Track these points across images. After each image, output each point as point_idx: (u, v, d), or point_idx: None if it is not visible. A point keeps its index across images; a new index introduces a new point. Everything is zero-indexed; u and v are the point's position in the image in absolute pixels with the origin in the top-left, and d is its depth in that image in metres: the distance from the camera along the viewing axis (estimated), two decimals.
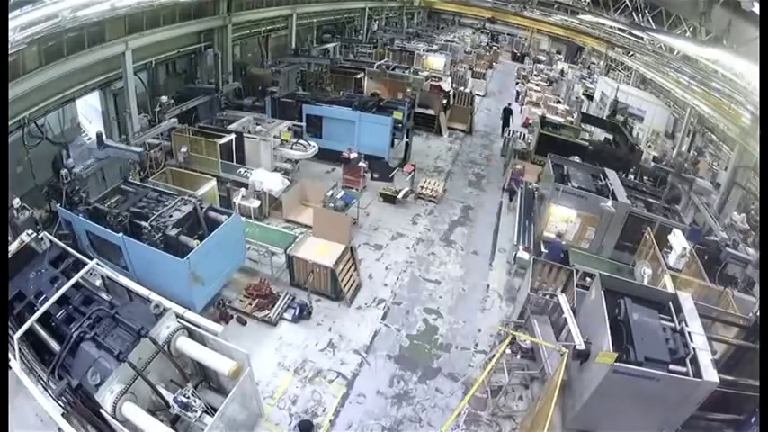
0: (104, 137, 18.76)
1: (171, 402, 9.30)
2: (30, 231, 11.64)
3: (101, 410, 8.69)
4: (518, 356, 13.00)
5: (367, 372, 14.11)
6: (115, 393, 8.81)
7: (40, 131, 17.81)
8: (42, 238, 11.69)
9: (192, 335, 10.46)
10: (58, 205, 15.75)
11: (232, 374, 9.50)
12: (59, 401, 8.66)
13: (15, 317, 9.97)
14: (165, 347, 9.98)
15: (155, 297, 10.59)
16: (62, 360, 9.21)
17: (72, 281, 10.25)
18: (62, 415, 8.53)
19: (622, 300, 11.87)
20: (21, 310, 10.05)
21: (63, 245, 12.19)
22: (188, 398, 9.26)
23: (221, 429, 9.56)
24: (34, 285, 10.51)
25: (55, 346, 9.72)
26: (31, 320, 9.33)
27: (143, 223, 14.31)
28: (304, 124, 24.99)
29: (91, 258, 13.65)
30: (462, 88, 40.65)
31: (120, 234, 13.85)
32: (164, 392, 9.66)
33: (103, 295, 10.95)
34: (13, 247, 11.12)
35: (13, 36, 13.38)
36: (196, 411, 9.21)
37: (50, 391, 8.81)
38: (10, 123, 16.21)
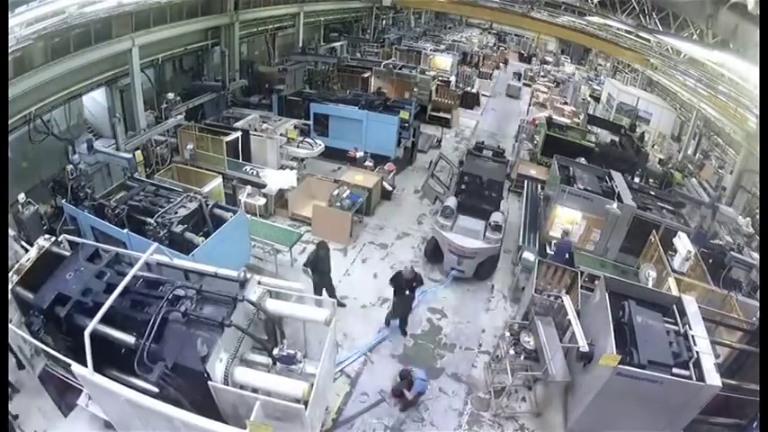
0: (94, 142, 18.79)
1: (276, 356, 9.35)
2: (47, 236, 11.17)
3: (210, 383, 8.55)
4: (521, 357, 12.97)
5: (370, 371, 14.13)
6: (224, 361, 8.81)
7: (46, 127, 17.87)
8: (62, 241, 11.48)
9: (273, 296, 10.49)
10: (64, 201, 15.80)
11: (328, 321, 9.71)
12: (161, 383, 8.45)
13: (64, 319, 9.30)
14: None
15: (223, 271, 10.44)
16: (148, 346, 8.61)
17: (142, 260, 9.54)
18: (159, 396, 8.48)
19: (626, 302, 11.85)
20: (69, 311, 9.32)
21: (94, 243, 11.94)
22: (288, 352, 9.38)
23: (323, 378, 9.57)
24: (77, 284, 9.81)
25: (125, 337, 8.96)
26: (106, 307, 8.47)
27: (148, 219, 14.32)
28: (311, 123, 25.00)
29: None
30: (469, 88, 40.71)
31: (126, 230, 13.90)
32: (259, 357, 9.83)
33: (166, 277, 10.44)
34: (32, 254, 10.64)
35: (20, 32, 13.44)
36: (300, 362, 9.36)
37: (145, 379, 8.53)
38: (16, 119, 16.29)
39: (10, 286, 9.94)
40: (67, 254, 10.90)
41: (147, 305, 9.58)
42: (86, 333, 8.17)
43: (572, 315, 12.20)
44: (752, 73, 13.60)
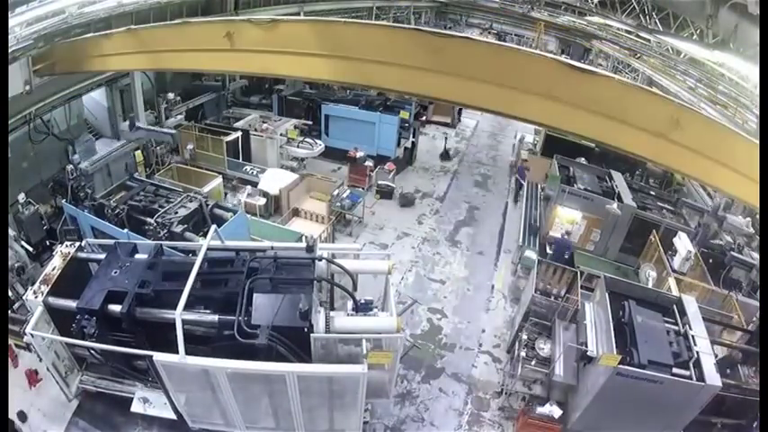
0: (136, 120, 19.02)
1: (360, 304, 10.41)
2: (68, 243, 11.21)
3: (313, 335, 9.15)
4: (533, 363, 12.88)
5: None
6: (323, 312, 9.53)
7: (46, 127, 17.85)
8: (85, 246, 11.42)
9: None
10: (64, 201, 15.80)
11: (390, 270, 10.84)
12: (271, 343, 8.87)
13: (126, 314, 9.34)
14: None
15: (279, 244, 11.21)
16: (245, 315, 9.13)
17: (206, 244, 10.07)
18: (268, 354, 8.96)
19: (626, 302, 11.82)
20: (131, 305, 9.39)
21: (131, 241, 12.04)
22: (366, 299, 10.61)
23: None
24: (129, 279, 9.88)
25: (207, 317, 9.47)
26: (188, 289, 8.93)
27: (148, 219, 14.34)
28: (322, 125, 24.96)
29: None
30: None
31: (126, 230, 13.90)
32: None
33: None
34: (57, 263, 10.59)
35: (20, 32, 13.44)
36: (376, 307, 10.60)
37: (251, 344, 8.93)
38: (16, 119, 16.28)
39: (41, 298, 9.84)
40: (97, 256, 11.03)
41: (218, 283, 10.10)
42: (177, 316, 8.52)
43: (589, 320, 12.15)
44: (752, 72, 13.60)
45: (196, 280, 9.39)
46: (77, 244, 11.05)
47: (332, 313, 9.93)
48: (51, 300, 9.89)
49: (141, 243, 11.37)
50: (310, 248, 10.43)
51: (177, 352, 8.73)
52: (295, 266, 10.12)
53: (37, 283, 10.11)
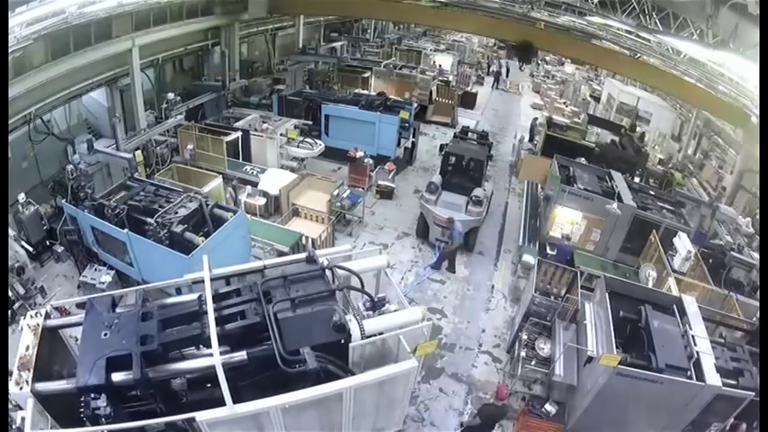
0: (94, 142, 18.78)
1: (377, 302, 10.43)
2: (31, 313, 9.10)
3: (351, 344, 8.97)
4: (533, 363, 12.89)
5: None
6: (353, 319, 9.08)
7: (46, 127, 17.88)
8: (50, 311, 9.20)
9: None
10: (64, 201, 15.80)
11: (389, 264, 11.34)
12: (321, 363, 8.37)
13: (140, 380, 7.92)
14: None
15: (272, 261, 11.13)
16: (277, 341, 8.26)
17: (207, 279, 8.73)
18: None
19: (643, 307, 11.77)
20: (142, 367, 7.95)
21: (104, 293, 10.42)
22: (380, 297, 10.71)
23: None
24: (126, 339, 8.31)
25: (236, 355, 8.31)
26: (214, 332, 7.68)
27: (148, 219, 14.33)
28: (322, 125, 24.95)
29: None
30: (468, 88, 40.76)
31: (126, 230, 13.90)
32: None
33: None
34: (29, 341, 8.67)
35: (20, 32, 13.43)
36: (389, 302, 10.64)
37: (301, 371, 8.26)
38: (16, 119, 16.29)
39: (27, 388, 7.87)
40: (68, 320, 9.43)
41: (233, 317, 9.00)
42: (218, 363, 7.42)
43: (589, 320, 12.14)
44: (752, 72, 13.60)
45: (206, 318, 8.40)
46: (42, 311, 9.14)
47: (366, 321, 9.60)
48: (41, 387, 8.02)
49: (117, 293, 9.95)
50: (311, 259, 10.11)
51: (202, 406, 7.98)
52: (306, 280, 9.63)
53: (14, 372, 8.13)
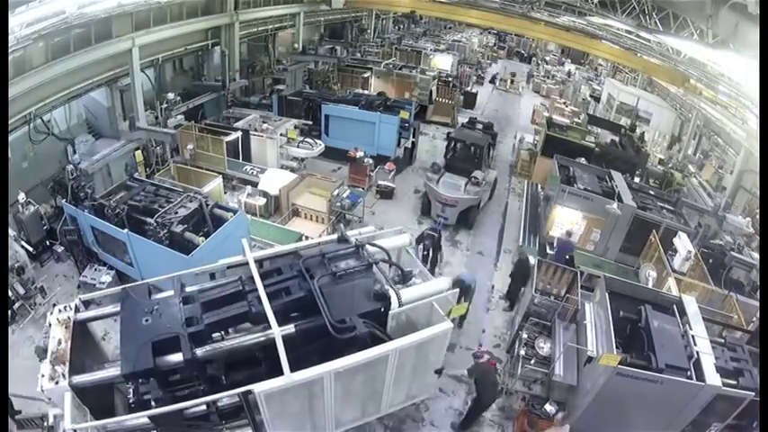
0: (136, 121, 18.96)
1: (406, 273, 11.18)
2: (59, 308, 9.13)
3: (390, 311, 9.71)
4: (532, 362, 12.87)
5: None
6: (391, 289, 9.78)
7: (46, 127, 17.88)
8: (78, 304, 9.37)
9: None
10: (64, 201, 15.80)
11: (411, 240, 12.50)
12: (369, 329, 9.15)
13: (189, 361, 8.13)
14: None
15: (304, 243, 12.61)
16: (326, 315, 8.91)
17: (248, 250, 9.98)
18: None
19: (643, 307, 11.78)
20: (191, 348, 8.21)
21: (141, 282, 10.67)
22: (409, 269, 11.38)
23: None
24: (170, 322, 8.53)
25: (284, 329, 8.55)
26: (269, 309, 8.42)
27: (148, 219, 14.35)
28: (322, 125, 24.94)
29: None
30: (468, 88, 40.79)
31: (126, 230, 13.91)
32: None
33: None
34: (60, 335, 8.65)
35: (20, 32, 13.44)
36: (415, 275, 11.36)
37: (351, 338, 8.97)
38: (16, 119, 16.29)
39: (65, 382, 7.94)
40: (101, 311, 9.63)
41: (278, 293, 9.46)
42: (277, 334, 8.09)
43: (589, 320, 12.14)
44: (752, 72, 13.59)
45: (251, 297, 9.07)
46: (72, 305, 9.27)
47: (403, 290, 10.34)
48: (79, 379, 8.11)
49: (151, 281, 10.16)
50: (343, 239, 10.96)
51: (247, 381, 8.32)
52: (343, 257, 10.32)
53: (47, 368, 8.11)
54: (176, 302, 8.96)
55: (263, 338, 8.66)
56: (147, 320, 8.60)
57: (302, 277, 9.60)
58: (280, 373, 8.14)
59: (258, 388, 8.09)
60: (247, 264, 9.84)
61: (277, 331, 8.06)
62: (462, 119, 34.64)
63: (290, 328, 8.68)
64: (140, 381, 8.38)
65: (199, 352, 8.30)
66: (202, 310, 8.86)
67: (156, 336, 8.23)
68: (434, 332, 9.79)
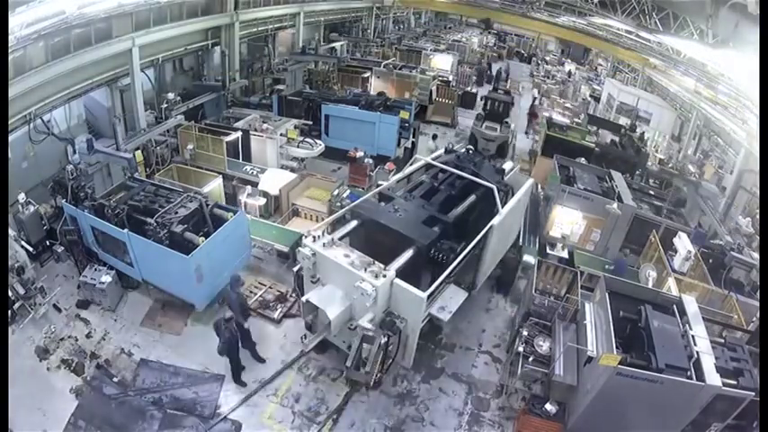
0: (94, 142, 18.69)
1: None
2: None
3: None
4: (530, 359, 12.85)
5: None
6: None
7: (46, 127, 17.88)
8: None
9: None
10: (64, 201, 15.80)
11: None
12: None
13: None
14: None
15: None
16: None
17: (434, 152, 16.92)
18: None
19: (643, 307, 11.78)
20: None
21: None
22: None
23: None
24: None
25: None
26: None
27: (148, 219, 14.34)
28: (322, 125, 24.92)
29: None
30: (468, 88, 40.79)
31: (126, 230, 13.91)
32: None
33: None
34: None
35: (20, 32, 13.45)
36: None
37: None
38: (16, 119, 16.29)
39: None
40: None
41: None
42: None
43: (588, 320, 12.14)
44: (752, 72, 13.59)
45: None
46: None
47: None
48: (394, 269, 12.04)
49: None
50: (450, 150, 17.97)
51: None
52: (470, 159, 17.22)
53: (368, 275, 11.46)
54: (403, 201, 14.42)
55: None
56: (399, 215, 13.54)
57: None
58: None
59: (496, 221, 14.05)
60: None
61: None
62: (462, 119, 34.88)
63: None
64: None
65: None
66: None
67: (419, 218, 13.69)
68: (528, 186, 16.77)
